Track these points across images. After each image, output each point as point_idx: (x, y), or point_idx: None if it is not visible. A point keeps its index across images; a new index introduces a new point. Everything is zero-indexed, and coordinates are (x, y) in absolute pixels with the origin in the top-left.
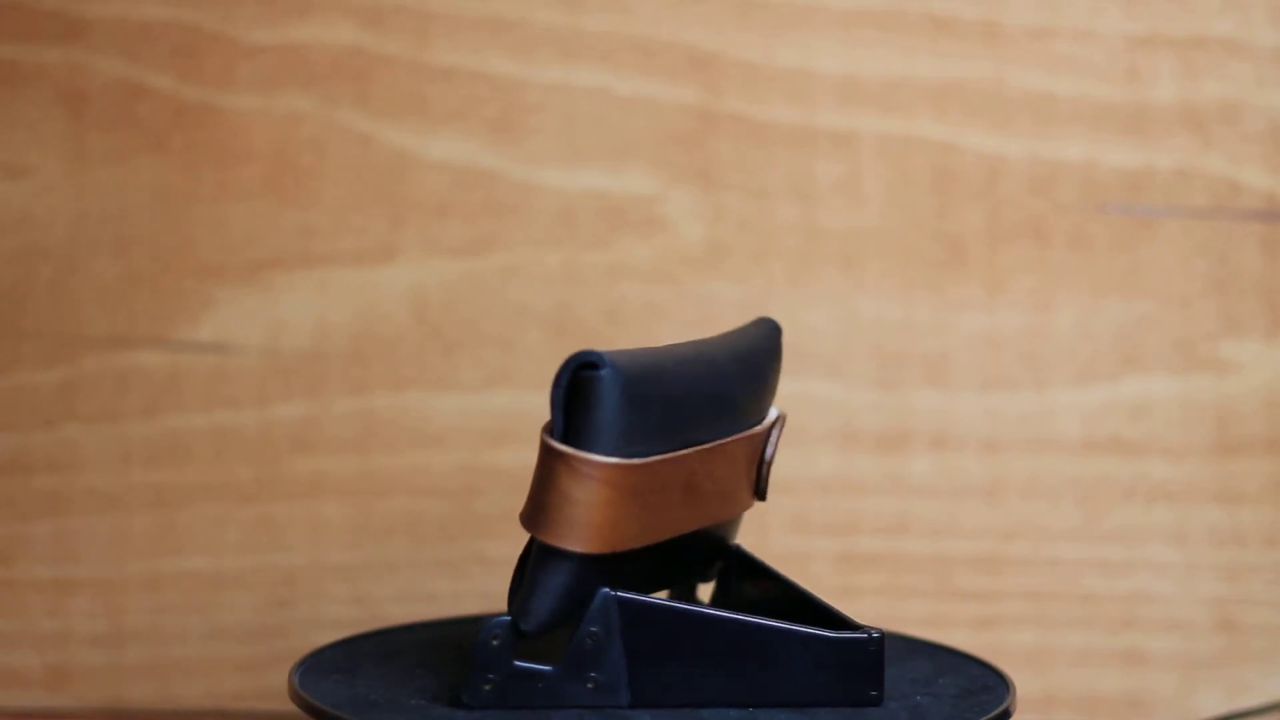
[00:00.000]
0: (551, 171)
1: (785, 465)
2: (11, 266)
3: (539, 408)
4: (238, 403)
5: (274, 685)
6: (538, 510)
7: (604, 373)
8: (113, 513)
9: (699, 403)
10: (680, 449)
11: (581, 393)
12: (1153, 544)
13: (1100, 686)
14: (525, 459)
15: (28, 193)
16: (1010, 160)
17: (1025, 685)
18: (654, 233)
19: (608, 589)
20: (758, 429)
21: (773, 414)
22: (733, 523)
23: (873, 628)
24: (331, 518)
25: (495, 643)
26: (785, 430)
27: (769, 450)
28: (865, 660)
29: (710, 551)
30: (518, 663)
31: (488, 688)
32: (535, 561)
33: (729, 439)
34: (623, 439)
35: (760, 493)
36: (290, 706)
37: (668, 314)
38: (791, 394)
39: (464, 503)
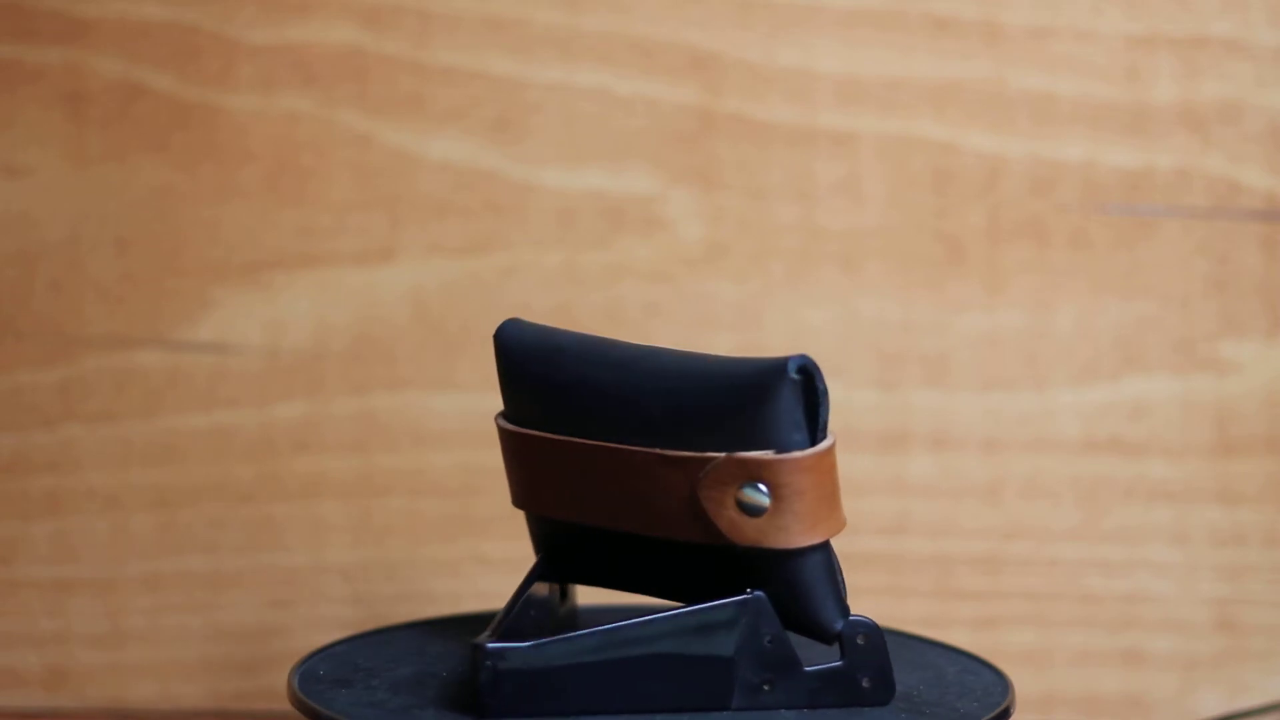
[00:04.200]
0: (551, 171)
1: None
2: (11, 266)
3: None
4: (237, 403)
5: (274, 685)
6: None
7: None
8: (112, 513)
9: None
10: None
11: None
12: (1153, 544)
13: (1100, 686)
14: None
15: (28, 193)
16: (1010, 160)
17: (1025, 685)
18: (654, 233)
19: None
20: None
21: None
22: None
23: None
24: (331, 518)
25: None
26: None
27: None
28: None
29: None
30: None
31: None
32: None
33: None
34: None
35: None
36: (290, 707)
37: (668, 314)
38: None
39: (463, 503)
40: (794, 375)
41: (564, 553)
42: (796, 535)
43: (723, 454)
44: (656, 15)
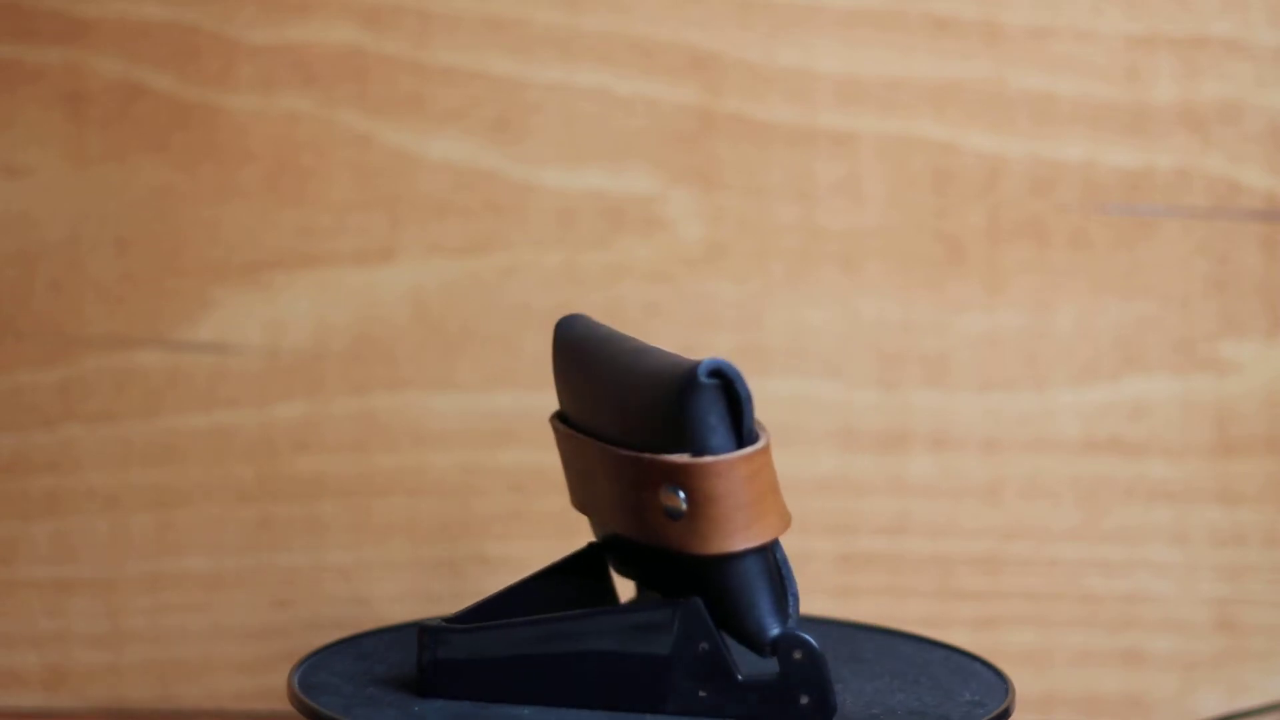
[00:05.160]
0: (551, 171)
1: (785, 465)
2: (11, 266)
3: (539, 408)
4: (237, 403)
5: (274, 685)
6: None
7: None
8: (112, 513)
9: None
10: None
11: None
12: (1153, 544)
13: (1100, 686)
14: (526, 459)
15: (28, 193)
16: (1010, 160)
17: (1025, 685)
18: (654, 233)
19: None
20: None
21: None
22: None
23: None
24: (331, 518)
25: None
26: (784, 430)
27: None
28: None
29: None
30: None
31: None
32: None
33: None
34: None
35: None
36: (290, 707)
37: (668, 314)
38: (791, 394)
39: (464, 503)
40: (704, 379)
41: (600, 546)
42: (713, 541)
43: (646, 455)
44: (656, 15)
